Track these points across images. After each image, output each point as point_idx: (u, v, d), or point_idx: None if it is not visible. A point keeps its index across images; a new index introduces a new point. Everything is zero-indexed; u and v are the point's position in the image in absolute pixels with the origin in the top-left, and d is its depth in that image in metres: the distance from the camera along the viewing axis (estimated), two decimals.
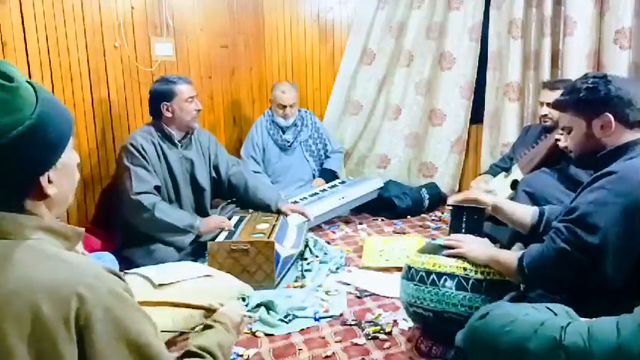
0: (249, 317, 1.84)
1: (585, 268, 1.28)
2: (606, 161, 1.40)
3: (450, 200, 1.84)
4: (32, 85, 0.83)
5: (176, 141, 2.62)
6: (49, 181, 0.84)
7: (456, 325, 1.56)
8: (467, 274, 1.59)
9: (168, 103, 2.56)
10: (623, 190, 1.25)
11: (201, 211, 2.73)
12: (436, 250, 1.71)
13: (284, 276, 2.40)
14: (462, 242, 1.67)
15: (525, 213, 1.69)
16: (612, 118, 1.39)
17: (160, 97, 2.57)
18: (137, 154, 2.46)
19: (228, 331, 1.14)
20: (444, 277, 1.61)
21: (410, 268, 1.72)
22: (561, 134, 2.12)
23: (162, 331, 1.07)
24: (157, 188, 2.51)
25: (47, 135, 0.81)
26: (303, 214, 2.82)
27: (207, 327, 1.15)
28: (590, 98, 1.41)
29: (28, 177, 0.82)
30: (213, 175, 2.83)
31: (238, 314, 1.24)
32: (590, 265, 1.27)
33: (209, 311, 1.26)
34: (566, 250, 1.30)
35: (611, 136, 1.41)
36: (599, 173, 1.33)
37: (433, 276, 1.62)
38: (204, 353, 1.01)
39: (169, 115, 2.58)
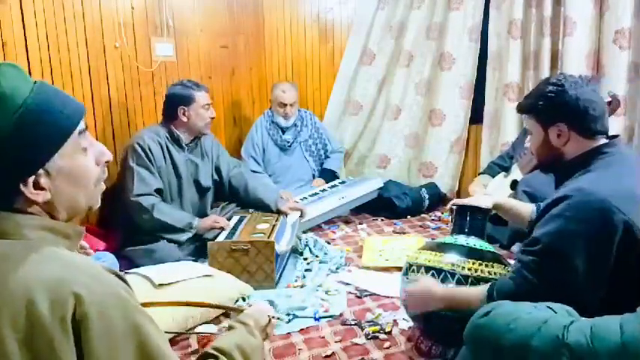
0: (278, 318, 1.82)
1: (559, 298, 1.26)
2: (566, 175, 1.40)
3: (452, 203, 1.85)
4: (33, 89, 0.82)
5: (184, 144, 2.64)
6: (40, 188, 0.82)
7: (439, 320, 1.57)
8: (453, 270, 1.60)
9: (185, 108, 2.59)
10: (581, 217, 1.25)
11: (202, 212, 2.74)
12: (433, 247, 1.73)
13: (282, 273, 2.40)
14: (409, 299, 1.66)
15: (525, 209, 1.71)
16: (567, 128, 1.39)
17: (178, 101, 2.59)
18: (142, 154, 2.48)
19: (250, 333, 1.12)
20: (432, 271, 1.63)
21: (407, 263, 1.76)
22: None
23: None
24: (159, 191, 2.52)
25: (22, 145, 0.79)
26: (301, 210, 2.85)
27: (230, 328, 1.14)
28: (546, 107, 1.41)
29: (6, 184, 0.80)
30: (215, 177, 2.85)
31: (265, 315, 1.22)
32: (564, 295, 1.26)
33: (236, 312, 1.22)
34: (538, 284, 1.29)
35: (569, 146, 1.41)
36: (555, 197, 1.32)
37: (422, 270, 1.65)
38: (220, 355, 0.99)
39: (184, 119, 2.60)
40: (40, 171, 0.82)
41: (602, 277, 1.26)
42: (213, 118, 2.70)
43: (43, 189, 0.82)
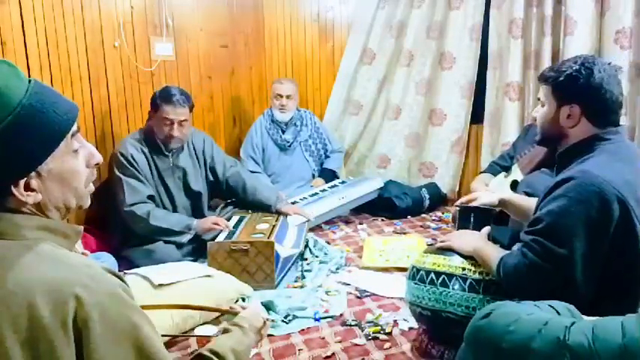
0: (272, 320, 1.84)
1: (558, 281, 1.27)
2: (566, 159, 1.40)
3: (458, 203, 1.85)
4: (28, 89, 0.80)
5: (165, 152, 2.58)
6: (31, 189, 0.81)
7: (453, 325, 1.56)
8: (465, 274, 1.58)
9: (152, 113, 2.55)
10: (584, 198, 1.26)
11: (198, 216, 2.70)
12: (438, 250, 1.71)
13: (284, 276, 2.39)
14: (451, 235, 1.70)
15: (531, 204, 1.70)
16: (579, 111, 1.37)
17: (151, 103, 2.55)
18: (127, 165, 2.44)
19: (245, 335, 1.14)
20: (443, 276, 1.61)
21: (413, 267, 1.74)
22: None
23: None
24: (151, 197, 2.50)
25: (15, 146, 0.78)
26: (303, 214, 2.82)
27: (226, 331, 1.15)
28: (566, 84, 1.38)
29: None
30: (211, 178, 2.81)
31: (260, 318, 1.23)
32: (562, 277, 1.27)
33: (231, 314, 1.25)
34: (538, 263, 1.30)
35: (576, 129, 1.39)
36: (559, 179, 1.32)
37: (432, 275, 1.63)
38: (215, 357, 1.00)
39: (151, 123, 2.56)
40: (32, 173, 0.81)
41: (597, 263, 1.27)
42: (178, 138, 2.49)
43: (33, 190, 0.82)
